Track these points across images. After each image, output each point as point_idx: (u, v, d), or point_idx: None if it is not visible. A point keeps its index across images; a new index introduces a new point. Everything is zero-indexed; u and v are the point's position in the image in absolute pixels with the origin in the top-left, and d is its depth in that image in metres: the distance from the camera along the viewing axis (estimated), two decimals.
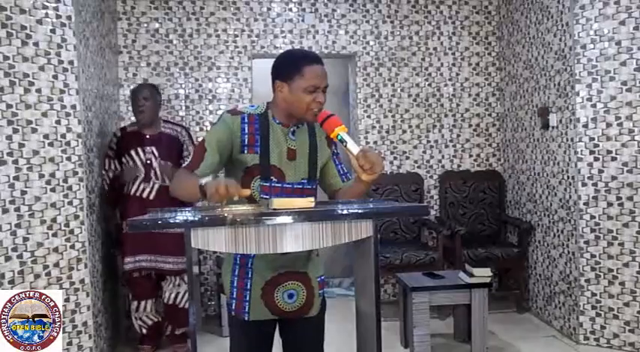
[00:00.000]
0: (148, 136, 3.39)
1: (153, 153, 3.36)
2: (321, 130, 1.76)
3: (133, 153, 3.36)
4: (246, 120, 1.73)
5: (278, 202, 1.49)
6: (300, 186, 1.76)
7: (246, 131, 1.72)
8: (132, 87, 3.82)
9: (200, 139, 3.80)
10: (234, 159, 1.74)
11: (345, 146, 1.64)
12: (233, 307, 1.80)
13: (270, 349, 1.87)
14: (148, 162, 3.35)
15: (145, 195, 3.34)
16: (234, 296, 1.79)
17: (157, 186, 3.34)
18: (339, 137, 1.64)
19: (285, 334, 1.88)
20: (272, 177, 1.73)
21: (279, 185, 1.74)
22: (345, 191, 1.83)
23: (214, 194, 1.46)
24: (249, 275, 1.77)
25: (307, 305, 1.80)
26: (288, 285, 1.77)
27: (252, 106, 1.79)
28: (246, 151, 1.72)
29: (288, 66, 1.71)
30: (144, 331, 3.46)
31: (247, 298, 1.77)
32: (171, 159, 3.39)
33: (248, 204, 1.67)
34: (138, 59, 4.20)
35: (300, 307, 1.79)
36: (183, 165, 1.82)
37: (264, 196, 1.72)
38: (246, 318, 1.78)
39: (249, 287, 1.77)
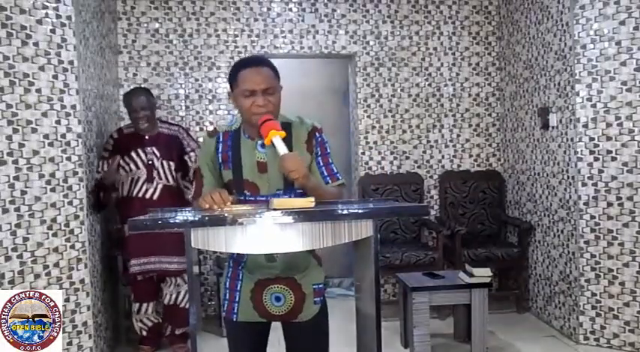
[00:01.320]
0: (147, 137, 3.38)
1: (154, 153, 3.35)
2: (297, 137, 1.77)
3: (133, 154, 3.34)
4: (220, 139, 1.80)
5: (278, 202, 1.49)
6: (275, 198, 1.72)
7: (220, 149, 1.79)
8: (125, 91, 3.75)
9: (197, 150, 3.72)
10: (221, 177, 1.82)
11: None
12: (224, 308, 1.83)
13: (263, 347, 1.87)
14: (150, 162, 3.34)
15: (148, 195, 3.32)
16: (226, 297, 1.82)
17: (160, 186, 3.34)
18: (272, 142, 1.65)
19: (286, 339, 1.88)
20: (245, 191, 1.75)
21: (253, 198, 1.75)
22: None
23: (207, 201, 1.54)
24: (240, 277, 1.80)
25: (295, 311, 1.79)
26: (275, 288, 1.77)
27: (230, 122, 1.84)
28: (222, 168, 1.79)
29: (230, 76, 1.76)
30: (144, 333, 3.46)
31: (237, 299, 1.80)
32: (172, 158, 3.39)
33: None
34: (138, 59, 4.20)
35: (288, 311, 1.78)
36: (189, 196, 1.87)
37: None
38: (234, 319, 1.80)
39: (239, 288, 1.79)
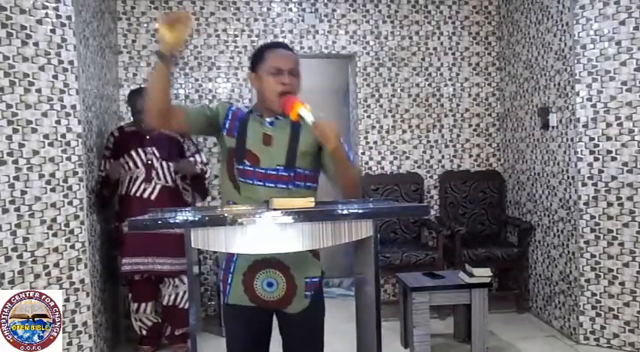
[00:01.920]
0: (147, 137, 3.39)
1: (154, 153, 3.36)
2: (307, 125, 1.76)
3: (133, 153, 3.35)
4: (233, 108, 1.86)
5: (278, 202, 1.49)
6: (275, 173, 1.76)
7: (229, 117, 1.84)
8: (130, 89, 3.80)
9: (200, 139, 3.83)
10: (221, 139, 1.85)
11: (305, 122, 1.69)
12: (222, 288, 1.86)
13: (263, 342, 1.87)
14: (149, 162, 3.35)
15: (145, 195, 3.33)
16: (221, 277, 1.86)
17: (158, 187, 3.34)
18: (300, 115, 1.67)
19: (280, 329, 1.89)
20: (245, 161, 1.78)
21: (251, 168, 1.77)
22: (333, 174, 1.80)
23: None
24: (234, 258, 1.81)
25: (286, 299, 1.78)
26: (268, 272, 1.76)
27: (247, 107, 1.92)
28: (225, 134, 1.82)
29: (255, 57, 1.84)
30: (144, 332, 3.46)
31: (229, 281, 1.81)
32: (172, 159, 3.39)
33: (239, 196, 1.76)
34: (138, 59, 4.20)
35: (280, 299, 1.78)
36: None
37: (241, 179, 1.78)
38: (226, 301, 1.83)
39: (232, 270, 1.81)
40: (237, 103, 1.95)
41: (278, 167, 1.77)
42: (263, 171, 1.76)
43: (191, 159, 3.45)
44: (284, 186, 1.75)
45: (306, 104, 1.69)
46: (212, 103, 1.94)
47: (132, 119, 3.57)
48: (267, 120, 1.81)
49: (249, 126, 1.81)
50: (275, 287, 1.77)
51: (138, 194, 3.33)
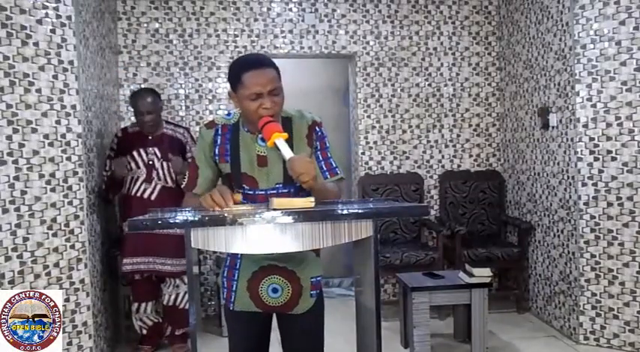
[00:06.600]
0: (150, 137, 3.40)
1: (155, 154, 3.37)
2: (297, 131, 1.77)
3: (135, 154, 3.36)
4: (219, 131, 1.80)
5: (278, 202, 1.49)
6: (274, 192, 1.75)
7: (219, 142, 1.79)
8: (132, 90, 3.82)
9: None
10: (215, 166, 1.82)
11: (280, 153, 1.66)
12: (224, 296, 1.86)
13: (264, 342, 1.88)
14: (150, 162, 3.36)
15: (146, 195, 3.34)
16: (225, 285, 1.85)
17: (158, 187, 3.35)
18: (275, 144, 1.64)
19: (281, 330, 1.89)
20: (244, 185, 1.76)
21: (251, 192, 1.76)
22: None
23: (209, 204, 1.54)
24: (237, 266, 1.81)
25: (292, 302, 1.80)
26: (272, 279, 1.78)
27: (228, 115, 1.84)
28: (219, 161, 1.79)
29: (232, 77, 1.72)
30: (144, 332, 3.47)
31: (234, 288, 1.82)
32: None
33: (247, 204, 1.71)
34: (138, 59, 4.20)
35: (285, 303, 1.79)
36: (183, 186, 1.87)
37: (244, 202, 1.75)
38: (231, 308, 1.83)
39: (236, 277, 1.81)
40: (218, 116, 1.88)
41: (277, 185, 1.76)
42: (263, 192, 1.75)
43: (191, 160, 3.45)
44: None
45: (283, 133, 1.65)
46: (199, 130, 1.84)
47: (134, 120, 3.57)
48: (259, 136, 1.75)
49: (242, 145, 1.77)
50: (280, 293, 1.78)
51: (138, 194, 3.35)
